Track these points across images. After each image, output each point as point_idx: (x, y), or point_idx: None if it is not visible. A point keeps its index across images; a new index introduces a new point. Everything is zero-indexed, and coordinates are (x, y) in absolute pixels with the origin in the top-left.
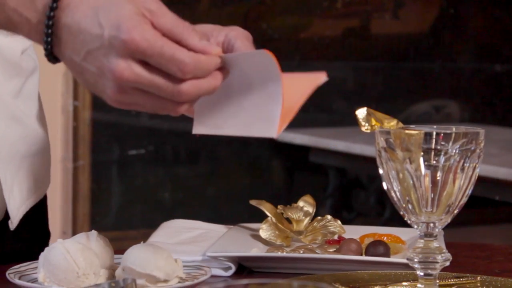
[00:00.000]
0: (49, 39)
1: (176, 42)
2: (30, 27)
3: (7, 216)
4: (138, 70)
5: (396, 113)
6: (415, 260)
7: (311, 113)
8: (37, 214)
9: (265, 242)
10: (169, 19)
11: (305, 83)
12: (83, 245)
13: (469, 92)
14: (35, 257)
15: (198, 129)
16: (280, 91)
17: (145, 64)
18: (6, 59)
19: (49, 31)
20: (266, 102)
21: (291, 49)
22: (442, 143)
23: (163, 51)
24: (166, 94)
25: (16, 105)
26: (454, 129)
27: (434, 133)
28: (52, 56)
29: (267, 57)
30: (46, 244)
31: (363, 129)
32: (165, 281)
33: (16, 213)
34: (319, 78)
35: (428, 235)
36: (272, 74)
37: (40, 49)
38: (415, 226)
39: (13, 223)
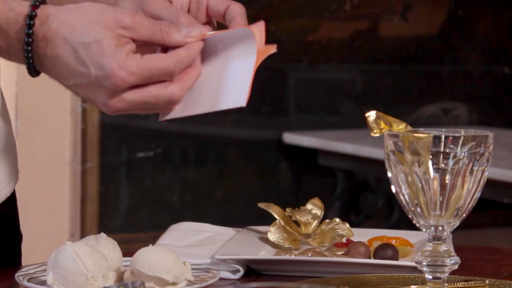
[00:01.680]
0: (30, 61)
1: (159, 45)
2: (10, 55)
3: None
4: (130, 97)
5: (404, 116)
6: (424, 263)
7: (319, 116)
8: (6, 213)
9: (273, 245)
10: (146, 29)
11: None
12: (91, 247)
13: (477, 95)
14: (4, 259)
15: (164, 115)
16: (253, 64)
17: (135, 86)
18: None
19: (30, 58)
20: (239, 75)
21: (300, 52)
22: (451, 146)
23: (151, 73)
24: (160, 102)
25: None
26: (462, 132)
27: (443, 136)
28: (34, 71)
29: (247, 34)
30: (18, 247)
31: (373, 133)
32: (174, 283)
33: None
34: (270, 49)
35: (436, 238)
36: (249, 49)
37: None
38: (424, 229)
39: None
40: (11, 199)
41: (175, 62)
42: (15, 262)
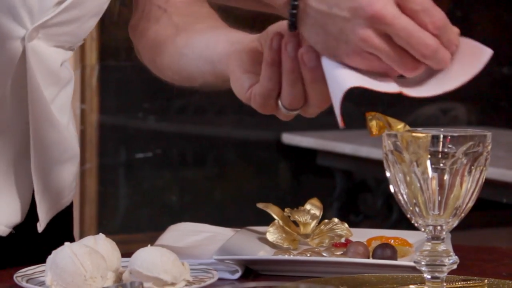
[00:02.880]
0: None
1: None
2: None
3: (32, 220)
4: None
5: (403, 116)
6: (422, 263)
7: (318, 116)
8: (63, 220)
9: (272, 245)
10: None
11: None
12: (90, 248)
13: (476, 95)
14: None
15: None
16: (460, 82)
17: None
18: (47, 68)
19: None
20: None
21: None
22: (449, 146)
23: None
24: (415, 47)
25: (51, 111)
26: (461, 132)
27: (441, 136)
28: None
29: (485, 53)
30: None
31: (372, 134)
32: (172, 284)
33: (45, 216)
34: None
35: (435, 238)
36: (475, 67)
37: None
38: (422, 229)
39: (41, 225)
40: (69, 207)
41: (435, 43)
42: None
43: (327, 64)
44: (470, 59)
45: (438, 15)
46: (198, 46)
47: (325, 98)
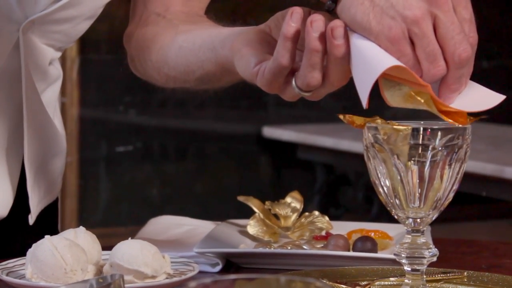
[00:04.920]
0: None
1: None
2: None
3: (18, 214)
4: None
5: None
6: (402, 255)
7: (299, 110)
8: (49, 214)
9: (252, 238)
10: None
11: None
12: (70, 241)
13: None
14: None
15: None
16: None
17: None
18: (36, 62)
19: None
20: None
21: None
22: (429, 138)
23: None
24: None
25: (43, 104)
26: (441, 125)
27: (421, 129)
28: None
29: (497, 99)
30: None
31: (355, 125)
32: (153, 277)
33: (36, 209)
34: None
35: (415, 230)
36: (485, 105)
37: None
38: (402, 222)
39: (32, 218)
40: (55, 201)
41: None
42: None
43: (359, 44)
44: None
45: (475, 36)
46: (199, 37)
47: (344, 77)
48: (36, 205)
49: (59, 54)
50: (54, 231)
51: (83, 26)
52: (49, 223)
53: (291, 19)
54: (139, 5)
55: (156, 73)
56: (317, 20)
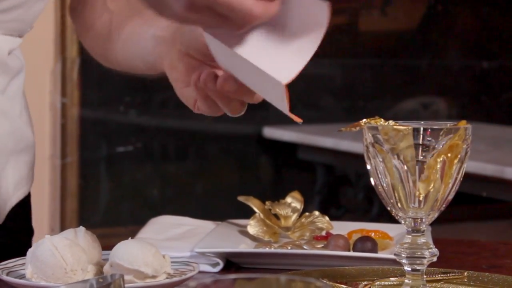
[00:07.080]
0: None
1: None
2: None
3: None
4: None
5: (384, 110)
6: (403, 255)
7: (299, 110)
8: (21, 211)
9: (253, 238)
10: None
11: None
12: (71, 241)
13: (456, 89)
14: (18, 253)
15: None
16: (317, 43)
17: None
18: None
19: None
20: (298, 49)
21: None
22: (430, 138)
23: None
24: (238, 16)
25: (2, 101)
26: (441, 125)
27: (422, 129)
28: None
29: (323, 8)
30: (29, 241)
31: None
32: (153, 277)
33: (4, 207)
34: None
35: (415, 230)
36: (319, 25)
37: (26, 50)
38: (403, 222)
39: (0, 217)
40: (27, 197)
41: None
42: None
43: (248, 67)
44: (310, 17)
45: None
46: (128, 42)
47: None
48: (4, 203)
49: (19, 41)
50: (27, 229)
51: (37, 8)
52: (22, 220)
53: (197, 87)
54: None
55: (112, 61)
56: (210, 79)
